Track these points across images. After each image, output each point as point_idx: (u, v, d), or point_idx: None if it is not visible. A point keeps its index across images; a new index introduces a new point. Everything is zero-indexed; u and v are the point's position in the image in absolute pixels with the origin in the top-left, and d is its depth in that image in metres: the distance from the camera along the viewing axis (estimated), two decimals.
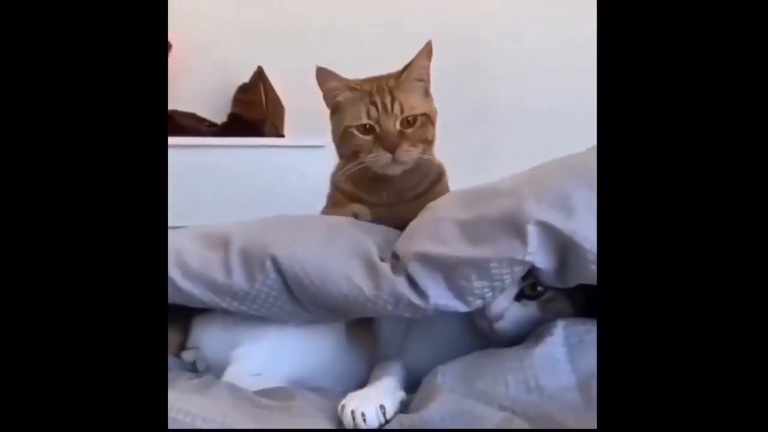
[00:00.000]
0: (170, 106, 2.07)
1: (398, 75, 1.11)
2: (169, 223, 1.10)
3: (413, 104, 1.09)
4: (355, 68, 2.17)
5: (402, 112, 1.07)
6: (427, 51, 1.11)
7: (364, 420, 0.71)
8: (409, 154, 1.07)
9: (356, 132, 1.08)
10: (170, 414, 0.65)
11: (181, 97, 2.11)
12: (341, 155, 1.16)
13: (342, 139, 1.12)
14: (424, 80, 1.14)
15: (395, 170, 1.09)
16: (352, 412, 0.72)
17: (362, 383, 0.85)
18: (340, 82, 1.11)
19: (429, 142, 1.13)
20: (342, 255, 0.87)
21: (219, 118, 2.12)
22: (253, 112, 2.05)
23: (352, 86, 1.10)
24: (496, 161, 2.12)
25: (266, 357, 0.91)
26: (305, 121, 1.79)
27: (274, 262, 0.86)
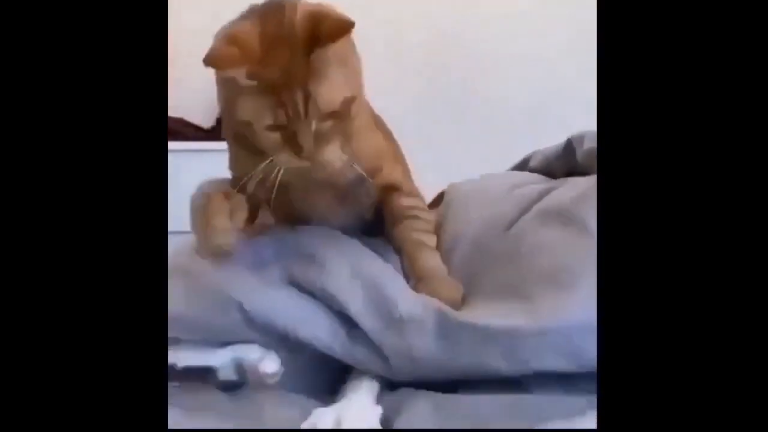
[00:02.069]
0: None
1: (306, 54, 0.78)
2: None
3: (333, 96, 0.80)
4: None
5: (319, 110, 0.79)
6: (345, 35, 0.80)
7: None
8: (333, 155, 0.82)
9: (260, 129, 0.81)
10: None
11: (168, 101, 2.09)
12: (230, 144, 0.92)
13: (235, 128, 0.85)
14: (347, 57, 0.83)
15: (317, 174, 0.86)
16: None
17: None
18: (239, 64, 0.79)
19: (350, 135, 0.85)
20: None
21: (207, 122, 2.11)
22: None
23: (252, 72, 0.78)
24: (479, 157, 2.14)
25: None
26: None
27: (242, 311, 0.83)
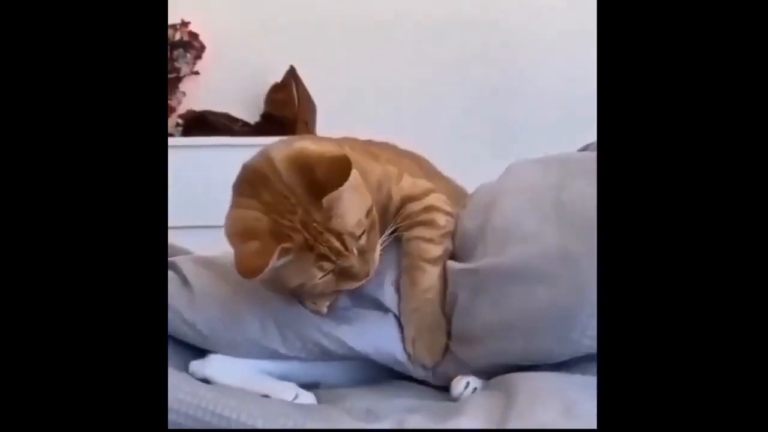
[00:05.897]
0: (204, 107, 2.11)
1: (316, 202, 0.81)
2: (206, 223, 1.12)
3: (357, 219, 0.83)
4: (389, 62, 2.17)
5: (356, 240, 0.83)
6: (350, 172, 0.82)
7: (473, 390, 0.87)
8: (377, 256, 0.88)
9: (313, 283, 0.85)
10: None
11: (214, 97, 2.13)
12: None
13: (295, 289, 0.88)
14: (353, 180, 0.84)
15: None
16: (467, 383, 0.87)
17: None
18: (270, 255, 0.79)
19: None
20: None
21: (252, 117, 2.14)
22: (286, 111, 2.07)
23: (285, 248, 0.80)
24: (515, 143, 2.11)
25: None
26: (337, 119, 1.79)
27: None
